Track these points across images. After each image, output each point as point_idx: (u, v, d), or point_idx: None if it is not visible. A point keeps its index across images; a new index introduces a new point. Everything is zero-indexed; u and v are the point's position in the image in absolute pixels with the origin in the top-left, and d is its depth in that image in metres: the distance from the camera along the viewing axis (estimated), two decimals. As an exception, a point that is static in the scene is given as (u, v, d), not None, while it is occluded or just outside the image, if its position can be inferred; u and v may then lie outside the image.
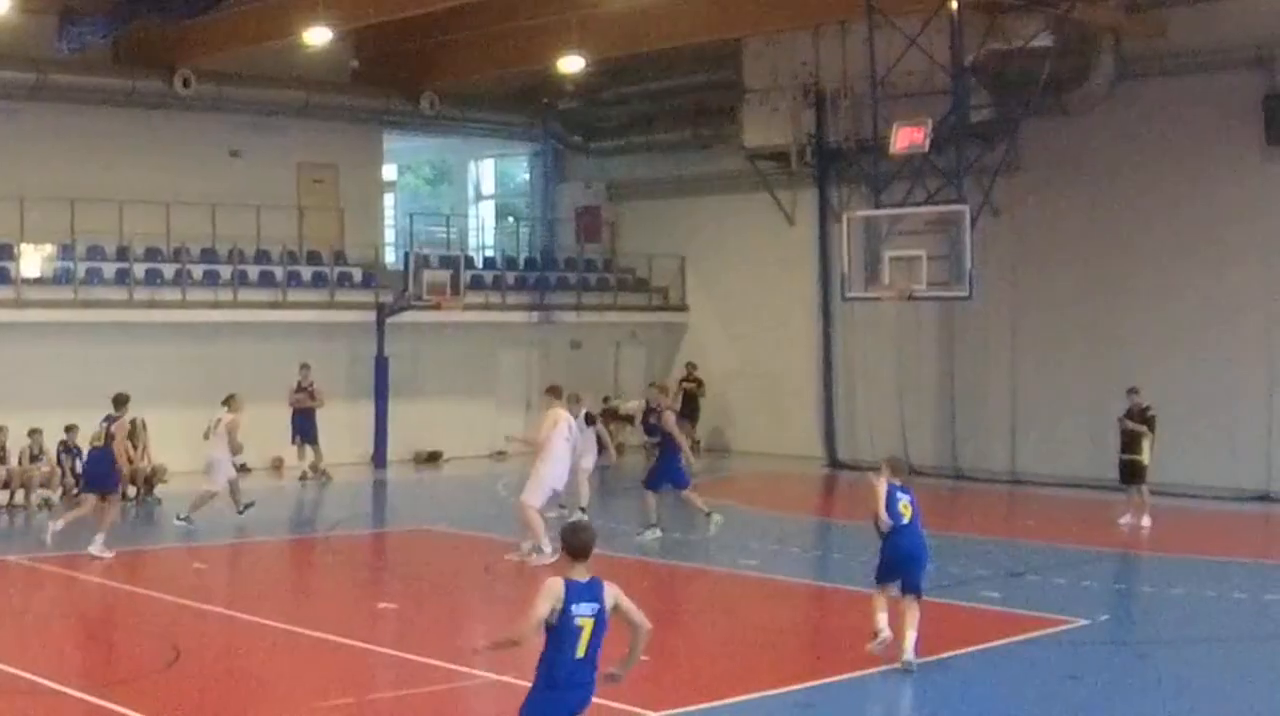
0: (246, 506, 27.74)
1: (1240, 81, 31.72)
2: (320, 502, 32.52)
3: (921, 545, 17.17)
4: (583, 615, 10.80)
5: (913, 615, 16.77)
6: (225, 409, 27.63)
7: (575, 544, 11.01)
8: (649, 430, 27.82)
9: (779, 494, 34.17)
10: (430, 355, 38.76)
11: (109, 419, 24.23)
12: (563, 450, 23.56)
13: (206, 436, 27.79)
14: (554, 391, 24.82)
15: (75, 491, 30.08)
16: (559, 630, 10.77)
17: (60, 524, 24.05)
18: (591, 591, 10.89)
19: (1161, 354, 32.46)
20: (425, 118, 41.39)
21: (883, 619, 16.95)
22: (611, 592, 10.98)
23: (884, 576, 17.24)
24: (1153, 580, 23.59)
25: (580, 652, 10.80)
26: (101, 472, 24.10)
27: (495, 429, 39.80)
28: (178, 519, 27.12)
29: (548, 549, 22.52)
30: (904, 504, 17.12)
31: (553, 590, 10.83)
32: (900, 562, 17.01)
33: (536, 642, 10.85)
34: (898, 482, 17.27)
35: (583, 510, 27.07)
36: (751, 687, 15.89)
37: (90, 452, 24.79)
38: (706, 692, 15.41)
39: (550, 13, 34.28)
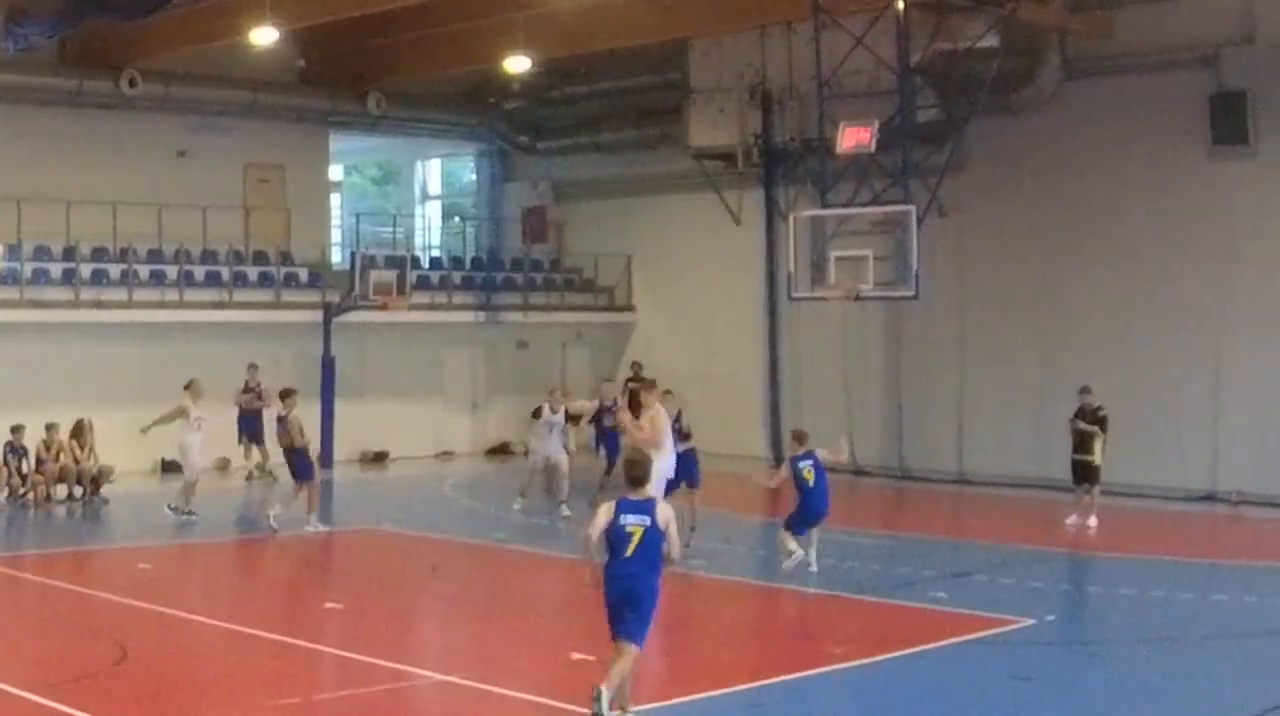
0: (180, 509, 27.74)
1: (1187, 81, 31.83)
2: (267, 502, 32.33)
3: (824, 502, 21.78)
4: (631, 524, 13.60)
5: (813, 540, 21.84)
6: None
7: (631, 475, 14.10)
8: (601, 430, 27.67)
9: (725, 494, 34.11)
10: (377, 355, 38.66)
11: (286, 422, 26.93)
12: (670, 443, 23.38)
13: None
14: (647, 385, 25.12)
15: (22, 491, 29.94)
16: (612, 534, 13.63)
17: (278, 509, 26.57)
18: (643, 507, 13.74)
19: (1108, 354, 32.52)
20: (372, 117, 41.35)
21: (794, 545, 21.59)
22: (665, 513, 13.78)
23: (795, 527, 21.68)
24: (1100, 580, 23.70)
25: (628, 553, 13.58)
26: (306, 464, 27.01)
27: (441, 429, 39.86)
28: (170, 509, 27.75)
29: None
30: (806, 469, 21.49)
31: (606, 509, 13.78)
32: (808, 517, 21.72)
33: None
34: (801, 451, 21.73)
35: (563, 502, 28.48)
36: (700, 687, 15.93)
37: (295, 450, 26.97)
38: (656, 692, 15.34)
39: (497, 13, 34.21)
